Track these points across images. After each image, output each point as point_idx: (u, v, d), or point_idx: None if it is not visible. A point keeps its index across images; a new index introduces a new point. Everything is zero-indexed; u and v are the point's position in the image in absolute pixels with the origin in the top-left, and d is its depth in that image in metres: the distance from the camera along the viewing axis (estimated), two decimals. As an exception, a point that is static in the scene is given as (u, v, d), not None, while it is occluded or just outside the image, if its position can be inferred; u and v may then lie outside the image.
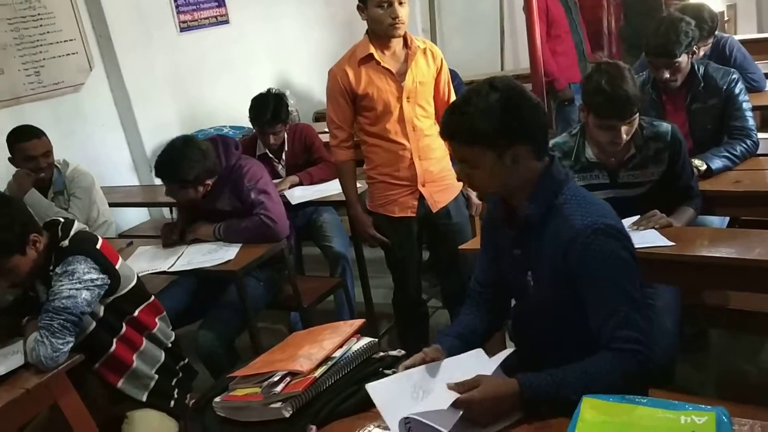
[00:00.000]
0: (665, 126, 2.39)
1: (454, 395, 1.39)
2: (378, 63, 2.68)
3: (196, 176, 2.79)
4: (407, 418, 1.37)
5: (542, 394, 1.40)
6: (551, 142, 2.51)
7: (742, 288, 2.31)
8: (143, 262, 2.84)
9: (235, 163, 2.95)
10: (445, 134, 1.59)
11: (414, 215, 2.82)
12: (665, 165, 2.38)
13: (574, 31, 4.73)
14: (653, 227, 2.25)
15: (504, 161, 1.54)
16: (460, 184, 2.92)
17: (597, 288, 1.51)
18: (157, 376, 2.32)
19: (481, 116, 1.50)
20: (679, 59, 2.68)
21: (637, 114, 2.26)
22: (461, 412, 1.38)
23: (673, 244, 2.12)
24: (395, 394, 1.50)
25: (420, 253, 3.00)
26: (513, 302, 1.86)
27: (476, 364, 1.55)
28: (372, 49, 2.67)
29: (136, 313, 2.28)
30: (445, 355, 1.62)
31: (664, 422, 1.23)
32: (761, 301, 2.34)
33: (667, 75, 2.73)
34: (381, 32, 2.64)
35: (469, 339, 1.69)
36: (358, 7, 2.64)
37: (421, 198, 2.81)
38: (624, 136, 2.26)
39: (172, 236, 3.02)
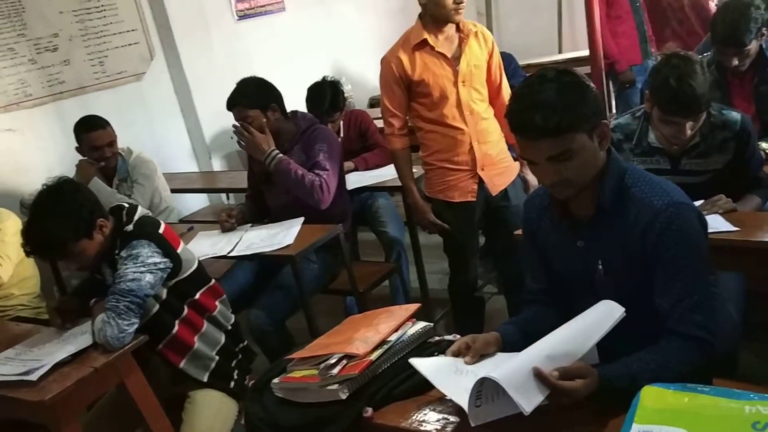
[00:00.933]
0: (735, 115, 2.30)
1: (553, 380, 1.33)
2: (432, 48, 2.67)
3: (268, 101, 2.92)
4: (484, 379, 1.33)
5: (618, 388, 1.37)
6: (612, 123, 2.46)
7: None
8: (204, 247, 2.90)
9: (315, 125, 3.00)
10: (540, 134, 1.45)
11: (474, 199, 2.80)
12: (731, 155, 2.30)
13: (635, 11, 4.58)
14: (717, 212, 2.18)
15: (593, 142, 1.51)
16: (518, 166, 2.90)
17: (673, 268, 1.48)
18: (217, 358, 2.38)
19: (574, 98, 1.46)
20: (749, 47, 2.58)
21: (705, 110, 2.18)
22: (546, 394, 1.33)
23: (737, 229, 2.06)
24: (440, 368, 1.52)
25: (477, 239, 2.99)
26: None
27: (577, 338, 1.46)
28: (426, 35, 2.66)
29: (197, 296, 2.34)
30: (500, 341, 1.60)
31: (727, 411, 1.20)
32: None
33: (735, 62, 2.64)
34: (442, 16, 2.62)
35: (529, 331, 1.64)
36: None
37: (481, 182, 2.79)
38: (688, 132, 2.19)
39: (229, 221, 3.07)
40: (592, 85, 1.52)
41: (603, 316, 1.46)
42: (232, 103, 2.92)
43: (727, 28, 2.58)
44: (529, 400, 1.31)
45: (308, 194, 2.86)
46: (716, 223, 2.08)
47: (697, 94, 2.10)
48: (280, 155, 2.89)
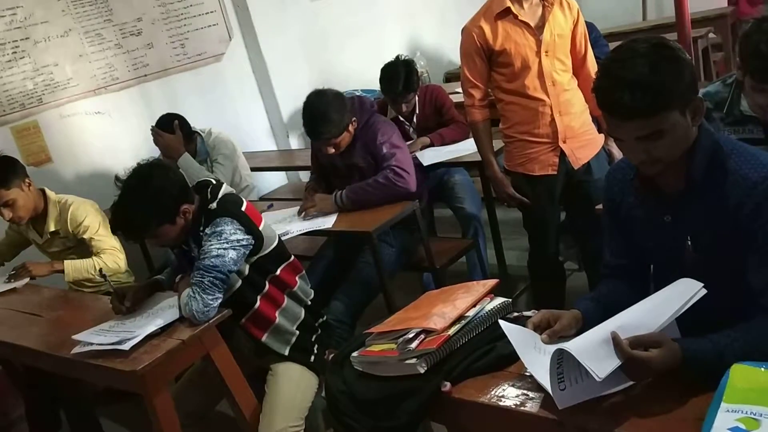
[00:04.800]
0: None
1: (626, 347, 1.31)
2: (515, 17, 2.61)
3: (345, 116, 2.89)
4: (562, 351, 1.34)
5: (703, 364, 1.33)
6: (702, 92, 2.34)
7: None
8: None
9: (369, 119, 3.00)
10: (630, 114, 1.38)
11: (555, 173, 2.75)
12: None
13: None
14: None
15: (686, 119, 1.43)
16: (602, 138, 2.81)
17: None
18: (298, 332, 2.43)
19: (668, 75, 1.38)
20: None
21: None
22: (620, 363, 1.31)
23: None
24: (527, 339, 1.52)
25: (559, 213, 2.93)
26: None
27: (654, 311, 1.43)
28: (509, 3, 2.60)
29: (278, 272, 2.39)
30: (581, 320, 1.57)
31: (824, 392, 1.15)
32: None
33: None
34: None
35: (608, 305, 1.59)
36: None
37: (562, 155, 2.73)
38: None
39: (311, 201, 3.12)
40: (687, 56, 1.43)
41: (681, 292, 1.42)
42: (323, 135, 2.92)
43: None
44: (601, 366, 1.29)
45: (393, 191, 2.89)
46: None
47: None
48: (344, 192, 2.93)
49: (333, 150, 2.95)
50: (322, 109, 2.85)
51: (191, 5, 4.51)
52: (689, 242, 1.55)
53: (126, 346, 2.09)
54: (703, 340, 1.36)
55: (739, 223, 1.44)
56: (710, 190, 1.48)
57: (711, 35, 4.94)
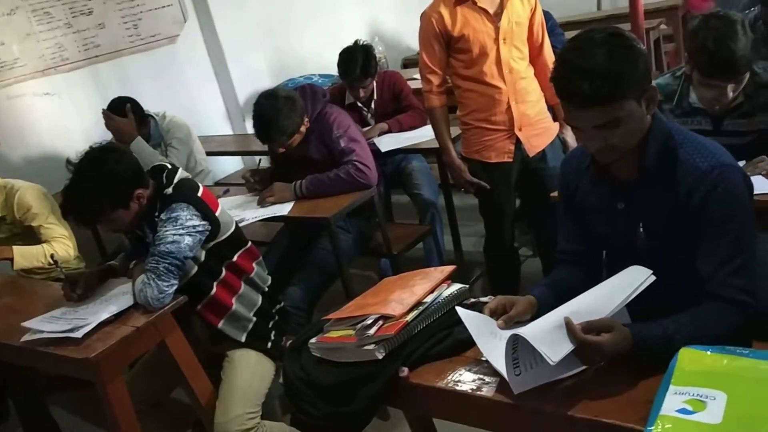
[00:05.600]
0: None
1: (579, 332, 1.35)
2: (474, 3, 2.62)
3: (295, 122, 2.86)
4: (516, 336, 1.36)
5: (652, 347, 1.37)
6: (652, 83, 2.39)
7: None
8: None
9: (321, 111, 2.98)
10: (588, 102, 1.41)
11: (511, 160, 2.78)
12: None
13: None
14: (760, 173, 2.13)
15: (642, 107, 1.47)
16: (557, 127, 2.85)
17: (717, 231, 1.46)
18: (254, 319, 2.41)
19: (624, 64, 1.41)
20: None
21: (747, 72, 2.11)
22: (573, 348, 1.35)
23: (783, 191, 2.01)
24: (483, 325, 1.54)
25: (514, 200, 2.97)
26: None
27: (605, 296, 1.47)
28: None
29: (235, 258, 2.37)
30: (536, 306, 1.60)
31: (767, 374, 1.19)
32: None
33: None
34: None
35: (562, 291, 1.63)
36: None
37: (518, 143, 2.76)
38: (730, 94, 2.12)
39: (254, 184, 3.12)
40: (641, 46, 1.47)
41: (631, 279, 1.46)
42: (271, 140, 2.92)
43: None
44: (555, 350, 1.33)
45: (353, 185, 2.89)
46: (761, 185, 2.03)
47: (737, 57, 2.03)
48: (304, 182, 2.92)
49: (283, 150, 2.96)
50: (271, 116, 2.83)
51: (144, -15, 4.40)
52: (641, 229, 1.59)
53: (78, 334, 2.05)
54: (653, 324, 1.40)
55: (689, 211, 1.48)
56: (662, 178, 1.52)
57: (663, 26, 5.04)
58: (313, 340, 1.72)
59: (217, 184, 4.02)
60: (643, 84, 1.44)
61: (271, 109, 2.83)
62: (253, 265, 2.44)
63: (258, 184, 3.15)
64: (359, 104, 3.73)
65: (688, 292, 1.49)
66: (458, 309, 1.60)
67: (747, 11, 2.71)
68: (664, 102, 2.35)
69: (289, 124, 2.85)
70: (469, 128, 2.81)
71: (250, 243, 2.47)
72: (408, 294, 1.70)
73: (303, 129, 2.92)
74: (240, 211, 2.96)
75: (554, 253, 1.85)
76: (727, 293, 1.43)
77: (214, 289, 2.32)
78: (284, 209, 2.90)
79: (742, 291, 1.43)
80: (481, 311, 1.62)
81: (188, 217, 2.19)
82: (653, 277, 1.45)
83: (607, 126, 1.44)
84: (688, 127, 2.27)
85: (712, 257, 1.47)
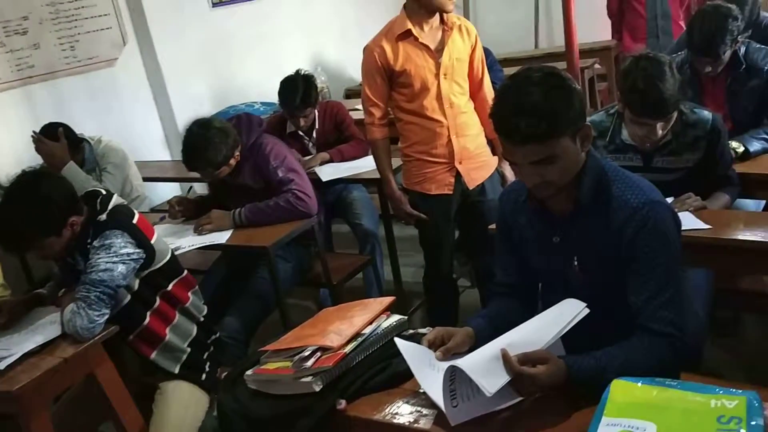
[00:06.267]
0: (706, 114, 2.34)
1: (515, 364, 1.37)
2: (416, 39, 2.66)
3: (225, 155, 2.83)
4: (454, 368, 1.37)
5: (586, 379, 1.40)
6: (587, 120, 2.48)
7: (777, 273, 2.28)
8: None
9: (255, 140, 2.96)
10: (525, 139, 1.44)
11: (451, 192, 2.81)
12: (702, 153, 2.33)
13: (650, 4, 4.58)
14: (687, 210, 2.22)
15: (577, 145, 1.51)
16: (496, 160, 2.91)
17: (647, 266, 1.51)
18: (189, 350, 2.36)
19: (560, 103, 1.45)
20: (723, 57, 2.62)
21: (675, 112, 2.21)
22: (509, 379, 1.36)
23: (709, 227, 2.10)
24: (421, 357, 1.54)
25: (453, 232, 3.00)
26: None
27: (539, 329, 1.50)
28: (410, 25, 2.65)
29: (169, 287, 2.32)
30: (474, 337, 1.61)
31: (694, 405, 1.22)
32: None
33: (709, 69, 2.68)
34: (435, 5, 2.61)
35: (499, 323, 1.66)
36: None
37: (458, 175, 2.80)
38: (659, 132, 2.22)
39: (176, 212, 3.08)
40: (576, 86, 1.52)
41: (566, 312, 1.50)
42: (200, 169, 2.89)
43: (703, 39, 2.61)
44: (491, 382, 1.34)
45: (293, 213, 2.87)
46: (688, 221, 2.11)
47: (665, 97, 2.13)
48: (243, 210, 2.89)
49: (210, 179, 2.93)
50: (201, 145, 2.79)
51: (83, 6, 4.32)
52: (576, 262, 1.63)
53: (1, 365, 1.97)
54: (587, 357, 1.43)
55: (621, 246, 1.53)
56: (596, 213, 1.57)
57: (596, 66, 5.23)
58: (249, 372, 1.69)
59: (154, 210, 3.94)
60: (577, 122, 1.49)
61: (202, 139, 2.80)
62: (189, 294, 2.39)
63: (181, 213, 3.10)
64: (301, 133, 3.73)
65: (620, 323, 1.53)
66: (397, 340, 1.60)
67: (674, 55, 2.84)
68: (598, 138, 2.43)
69: (217, 156, 2.81)
70: (411, 160, 2.84)
71: (186, 272, 2.43)
72: (347, 325, 1.69)
73: (233, 162, 2.89)
74: (176, 239, 2.90)
75: (492, 284, 1.87)
76: (656, 326, 1.48)
77: (148, 319, 2.26)
78: (222, 237, 2.86)
79: (671, 324, 1.48)
80: (419, 342, 1.62)
81: (122, 245, 2.13)
82: (587, 310, 1.48)
83: (543, 162, 1.48)
84: (620, 162, 2.36)
85: (642, 291, 1.51)
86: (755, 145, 2.63)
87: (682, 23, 4.46)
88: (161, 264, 2.29)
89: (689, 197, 2.27)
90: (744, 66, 2.73)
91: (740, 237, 2.07)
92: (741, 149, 2.60)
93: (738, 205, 2.53)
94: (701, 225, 2.12)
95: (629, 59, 2.26)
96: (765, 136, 2.67)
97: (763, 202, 2.76)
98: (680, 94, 2.21)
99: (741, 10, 2.80)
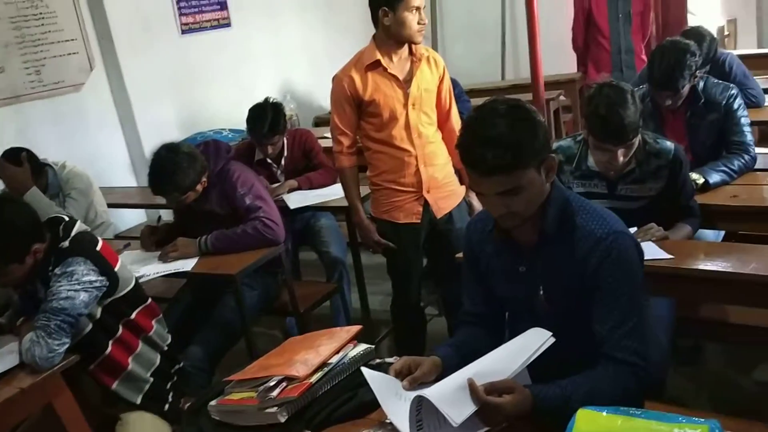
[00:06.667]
0: (669, 144, 2.40)
1: (482, 393, 1.37)
2: (385, 69, 2.69)
3: (192, 180, 2.81)
4: (421, 397, 1.36)
5: (551, 408, 1.41)
6: (555, 145, 2.53)
7: (737, 302, 2.33)
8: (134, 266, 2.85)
9: (223, 167, 2.95)
10: (491, 170, 1.46)
11: (419, 221, 2.83)
12: (664, 182, 2.39)
13: (614, 39, 4.70)
14: (650, 240, 2.26)
15: (541, 176, 1.53)
16: (463, 189, 2.94)
17: (612, 295, 1.53)
18: (152, 379, 2.31)
19: (526, 135, 1.47)
20: (682, 91, 2.70)
21: (635, 138, 2.27)
22: (476, 408, 1.36)
23: (671, 257, 2.13)
24: (388, 386, 1.53)
25: (421, 260, 3.01)
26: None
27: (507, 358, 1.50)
28: (379, 56, 2.68)
29: (133, 316, 2.28)
30: (441, 366, 1.61)
31: (658, 434, 1.24)
32: (757, 315, 2.35)
33: (669, 102, 2.76)
34: (405, 37, 2.64)
35: (466, 352, 1.66)
36: (382, 11, 2.61)
37: (426, 204, 2.82)
38: (621, 159, 2.28)
39: (150, 243, 3.04)
40: (541, 118, 1.55)
41: (532, 341, 1.51)
42: (166, 193, 2.87)
43: (662, 74, 2.69)
44: (458, 412, 1.34)
45: (261, 241, 2.85)
46: (651, 251, 2.15)
47: (626, 123, 2.19)
48: (209, 238, 2.86)
49: (175, 205, 2.91)
50: (169, 169, 2.77)
51: (50, 31, 4.28)
52: (541, 292, 1.64)
53: (-46, 396, 1.91)
54: (552, 386, 1.44)
55: (586, 276, 1.55)
56: (561, 243, 1.59)
57: (562, 98, 5.32)
58: (213, 403, 1.67)
59: (118, 237, 3.88)
60: (542, 154, 1.52)
61: (170, 163, 2.78)
62: (153, 322, 2.35)
63: (154, 245, 3.06)
64: (269, 161, 3.73)
65: (585, 352, 1.55)
66: (363, 370, 1.59)
67: (637, 88, 2.91)
68: (565, 163, 2.49)
69: (184, 181, 2.79)
70: (379, 189, 2.85)
71: (150, 300, 2.39)
72: (313, 354, 1.68)
73: (200, 187, 2.87)
74: (141, 267, 2.85)
75: (459, 313, 1.88)
76: (620, 355, 1.49)
77: (109, 348, 2.22)
78: (188, 265, 2.82)
79: (635, 353, 1.49)
80: (386, 372, 1.61)
81: (85, 272, 2.10)
82: (553, 339, 1.50)
83: (508, 193, 1.50)
84: (585, 189, 2.42)
85: (607, 320, 1.53)
86: (714, 177, 2.70)
87: (644, 57, 4.58)
88: (125, 292, 2.26)
89: (652, 227, 2.32)
90: (703, 100, 2.81)
91: (701, 267, 2.11)
92: (701, 181, 2.67)
93: (698, 236, 2.59)
94: (663, 255, 2.16)
95: (594, 86, 2.32)
96: (724, 168, 2.74)
97: (722, 232, 2.83)
98: (641, 122, 2.27)
99: (699, 46, 2.90)
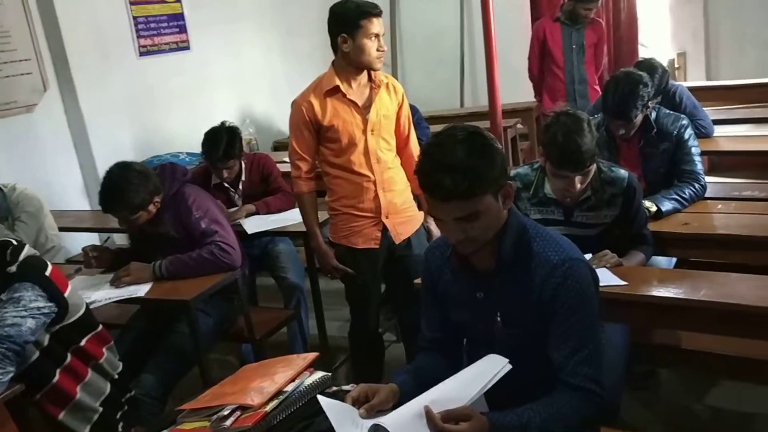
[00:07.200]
0: (623, 173, 2.46)
1: (438, 421, 1.37)
2: (344, 95, 2.70)
3: (143, 198, 2.76)
4: (377, 426, 1.36)
5: None
6: (513, 172, 2.56)
7: (689, 328, 2.37)
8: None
9: (178, 190, 2.91)
10: (449, 196, 1.48)
11: (377, 247, 2.82)
12: (618, 210, 2.44)
13: (568, 70, 4.79)
14: (605, 266, 2.30)
15: (499, 202, 1.55)
16: (422, 215, 2.94)
17: (567, 322, 1.54)
18: (101, 409, 2.24)
19: (483, 161, 1.49)
20: (635, 120, 2.77)
21: (592, 166, 2.31)
22: None
23: (626, 283, 2.17)
24: (345, 414, 1.51)
25: (380, 286, 3.00)
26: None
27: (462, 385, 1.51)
28: (338, 81, 2.68)
29: (82, 343, 2.22)
30: (398, 394, 1.60)
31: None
32: (710, 341, 2.39)
33: (622, 132, 2.83)
34: (365, 63, 2.65)
35: (424, 378, 1.65)
36: (341, 37, 2.62)
37: (384, 230, 2.81)
38: (578, 186, 2.32)
39: (92, 261, 2.98)
40: (499, 146, 1.57)
41: (488, 368, 1.51)
42: (117, 211, 2.82)
43: (616, 104, 2.77)
44: None
45: (217, 266, 2.82)
46: (606, 278, 2.18)
47: (583, 151, 2.23)
48: (164, 263, 2.82)
49: (126, 226, 2.87)
50: (120, 186, 2.74)
51: (2, 51, 4.19)
52: (498, 318, 1.65)
53: None
54: (509, 413, 1.44)
55: (542, 302, 1.56)
56: (517, 269, 1.60)
57: (519, 126, 5.41)
58: (164, 433, 1.62)
59: (69, 261, 3.78)
60: (499, 180, 1.53)
61: (122, 180, 2.74)
62: (103, 350, 2.29)
63: (95, 261, 3.00)
64: (226, 185, 3.69)
65: (542, 378, 1.55)
66: (320, 398, 1.57)
67: (592, 118, 2.97)
68: (523, 190, 2.52)
69: (135, 199, 2.74)
70: (338, 214, 2.84)
71: (100, 326, 2.33)
72: (268, 382, 1.65)
73: (152, 208, 2.83)
74: (92, 292, 2.78)
75: (417, 339, 1.87)
76: (576, 381, 1.50)
77: (57, 377, 2.14)
78: (141, 290, 2.76)
79: (590, 380, 1.51)
80: (343, 400, 1.59)
81: (32, 298, 2.03)
82: (509, 366, 1.50)
83: (466, 219, 1.51)
84: (542, 216, 2.46)
85: (563, 347, 1.54)
86: (667, 205, 2.76)
87: (598, 88, 4.69)
88: (74, 318, 2.19)
89: (606, 254, 2.36)
90: (655, 130, 2.88)
91: (654, 293, 2.15)
92: (654, 209, 2.73)
93: (651, 263, 2.64)
94: (618, 281, 2.19)
95: (551, 114, 2.37)
96: (676, 197, 2.81)
97: (675, 259, 2.89)
98: (597, 150, 2.32)
99: (651, 77, 2.98)
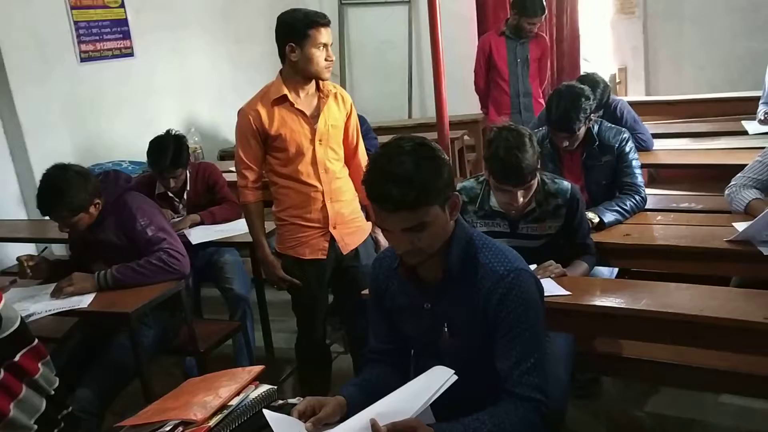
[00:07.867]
0: (566, 184, 2.51)
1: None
2: (292, 104, 2.68)
3: (83, 198, 2.69)
4: None
5: None
6: (458, 186, 2.59)
7: (630, 336, 2.43)
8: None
9: (120, 195, 2.84)
10: (396, 206, 1.48)
11: (325, 257, 2.80)
12: (562, 221, 2.49)
13: (513, 83, 4.87)
14: (549, 277, 2.33)
15: (445, 213, 1.56)
16: (370, 226, 2.94)
17: (513, 332, 1.56)
18: (36, 427, 2.15)
19: (431, 173, 1.50)
20: (578, 132, 2.84)
21: (534, 180, 2.35)
22: None
23: (569, 293, 2.20)
24: (291, 428, 1.50)
25: (327, 297, 2.98)
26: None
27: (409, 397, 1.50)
28: (286, 90, 2.67)
29: (17, 358, 2.12)
30: (346, 406, 1.59)
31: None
32: (652, 349, 2.45)
33: (566, 144, 2.89)
34: (313, 73, 2.64)
35: (371, 390, 1.65)
36: (289, 47, 2.60)
37: (332, 240, 2.80)
38: (521, 199, 2.36)
39: (27, 270, 2.87)
40: (446, 157, 1.58)
41: (434, 379, 1.52)
42: (56, 212, 2.72)
43: (559, 117, 2.83)
44: None
45: (167, 273, 2.75)
46: (550, 287, 2.22)
47: (524, 166, 2.27)
48: (108, 272, 2.73)
49: (66, 229, 2.79)
50: (58, 186, 2.66)
51: (-66, 54, 4.04)
52: (446, 329, 1.65)
53: None
54: (456, 424, 1.44)
55: (488, 312, 1.57)
56: (464, 280, 1.61)
57: (466, 137, 5.48)
58: (102, 451, 1.57)
59: (4, 273, 3.65)
60: (446, 191, 1.54)
61: (60, 180, 2.66)
62: (39, 365, 2.19)
63: (32, 270, 2.89)
64: (171, 194, 3.62)
65: (490, 388, 1.56)
66: (265, 412, 1.55)
67: (536, 130, 3.03)
68: (469, 204, 2.55)
69: (76, 199, 2.67)
70: (284, 224, 2.82)
71: (36, 340, 2.23)
72: (212, 396, 1.62)
73: (93, 211, 2.75)
74: (30, 304, 2.67)
75: (365, 351, 1.86)
76: (522, 391, 1.52)
77: (-12, 394, 2.04)
78: (84, 301, 2.66)
79: (536, 389, 1.52)
80: (289, 413, 1.57)
81: (-38, 312, 1.94)
82: (455, 377, 1.50)
83: (413, 229, 1.51)
84: (488, 228, 2.48)
85: (508, 357, 1.56)
86: (609, 217, 2.83)
87: (542, 101, 4.79)
88: (8, 333, 2.09)
89: (551, 264, 2.40)
90: (597, 143, 2.96)
91: (597, 303, 2.19)
92: (596, 220, 2.79)
93: (594, 273, 2.69)
94: (562, 291, 2.23)
95: (494, 129, 2.40)
96: (617, 208, 2.88)
97: (616, 269, 2.96)
98: (539, 164, 2.36)
99: (593, 91, 3.06)
